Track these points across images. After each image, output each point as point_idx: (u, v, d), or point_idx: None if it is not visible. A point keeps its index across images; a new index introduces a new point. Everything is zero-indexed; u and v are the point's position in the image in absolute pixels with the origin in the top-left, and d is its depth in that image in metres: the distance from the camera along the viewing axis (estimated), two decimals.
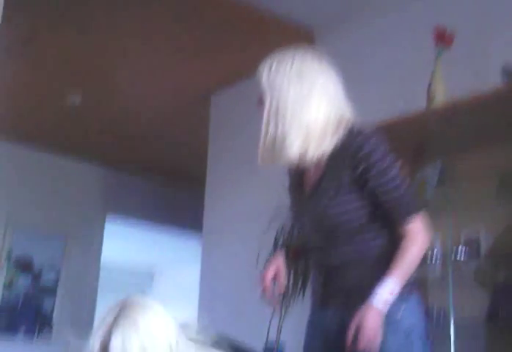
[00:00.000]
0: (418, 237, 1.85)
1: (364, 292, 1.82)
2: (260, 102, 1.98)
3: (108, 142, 5.60)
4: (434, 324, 2.92)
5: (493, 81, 2.79)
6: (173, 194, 6.26)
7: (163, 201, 6.23)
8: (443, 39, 2.93)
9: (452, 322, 2.79)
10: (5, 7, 2.95)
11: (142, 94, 4.76)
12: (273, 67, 1.96)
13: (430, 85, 2.96)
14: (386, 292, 1.77)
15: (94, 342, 1.85)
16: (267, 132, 1.92)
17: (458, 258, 2.88)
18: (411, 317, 1.86)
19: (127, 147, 5.70)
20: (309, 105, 1.90)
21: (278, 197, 3.55)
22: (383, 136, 1.88)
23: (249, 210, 4.09)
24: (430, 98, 2.94)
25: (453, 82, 2.92)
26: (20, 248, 5.56)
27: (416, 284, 1.93)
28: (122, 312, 1.84)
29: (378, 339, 1.75)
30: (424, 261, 2.90)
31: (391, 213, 1.86)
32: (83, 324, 5.64)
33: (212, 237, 4.31)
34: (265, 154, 1.94)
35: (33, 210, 5.62)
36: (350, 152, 1.85)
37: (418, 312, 1.89)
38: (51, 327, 5.56)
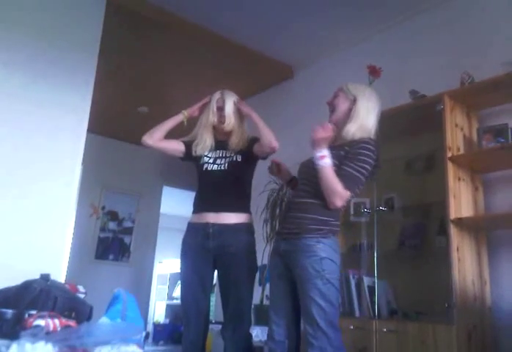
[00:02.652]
0: (339, 199, 1.79)
1: (303, 227, 1.82)
2: (335, 98, 2.04)
3: (165, 136, 5.61)
4: (365, 254, 2.88)
5: (404, 99, 2.82)
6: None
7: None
8: (374, 72, 2.99)
9: (375, 252, 2.75)
10: (102, 48, 3.07)
11: (188, 105, 4.77)
12: (357, 86, 2.05)
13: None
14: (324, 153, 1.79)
15: (217, 100, 2.40)
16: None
17: (380, 210, 2.84)
18: (326, 251, 1.79)
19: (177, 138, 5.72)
20: (371, 115, 1.98)
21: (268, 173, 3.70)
22: (377, 143, 1.90)
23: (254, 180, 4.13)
24: None
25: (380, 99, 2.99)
26: (109, 204, 5.62)
27: (334, 231, 1.86)
28: (223, 91, 2.38)
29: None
30: (359, 212, 3.00)
31: (342, 179, 1.80)
32: (149, 252, 5.88)
33: None
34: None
35: (118, 179, 5.67)
36: (357, 141, 1.87)
37: (333, 250, 1.81)
38: (129, 254, 5.66)
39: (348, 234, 3.06)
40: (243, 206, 2.27)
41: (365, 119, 1.96)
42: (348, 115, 1.97)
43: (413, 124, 2.82)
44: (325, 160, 1.81)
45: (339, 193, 1.79)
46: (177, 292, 6.80)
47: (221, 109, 2.36)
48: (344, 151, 1.87)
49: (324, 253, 1.80)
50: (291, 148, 4.19)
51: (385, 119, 2.78)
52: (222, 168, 2.29)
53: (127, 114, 5.05)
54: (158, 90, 4.55)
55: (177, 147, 2.45)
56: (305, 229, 1.83)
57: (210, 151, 2.38)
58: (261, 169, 3.97)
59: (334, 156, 1.84)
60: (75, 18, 3.01)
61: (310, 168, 1.89)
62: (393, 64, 3.21)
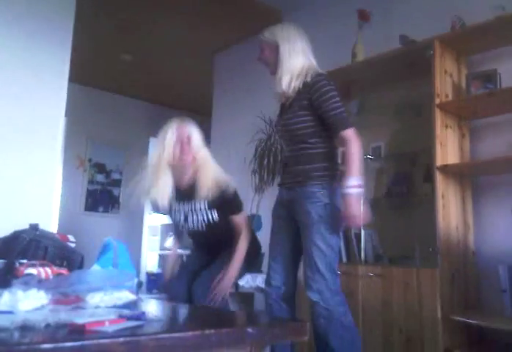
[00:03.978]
0: (354, 141, 1.80)
1: (305, 175, 1.85)
2: (262, 52, 1.99)
3: (150, 85, 5.47)
4: None
5: (393, 44, 2.75)
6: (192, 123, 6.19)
7: None
8: (363, 16, 2.94)
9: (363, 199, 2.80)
10: None
11: (170, 52, 4.60)
12: (274, 31, 1.97)
13: (353, 47, 2.95)
14: (351, 184, 1.75)
15: (179, 132, 1.96)
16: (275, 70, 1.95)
17: (368, 158, 2.86)
18: (330, 197, 1.82)
19: (162, 88, 5.54)
20: (294, 57, 1.91)
21: (257, 123, 3.66)
22: (330, 76, 1.90)
23: (240, 130, 4.08)
24: (353, 55, 2.94)
25: (369, 45, 2.92)
26: (96, 157, 5.58)
27: (336, 175, 1.88)
28: (184, 119, 2.01)
29: (361, 216, 1.74)
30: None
31: (333, 124, 1.81)
32: (138, 203, 5.95)
33: (216, 146, 4.32)
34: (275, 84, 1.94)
35: (104, 131, 5.59)
36: (309, 85, 1.85)
37: (336, 195, 1.84)
38: (119, 205, 5.70)
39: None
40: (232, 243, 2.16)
41: (293, 63, 1.91)
42: (278, 64, 1.93)
43: (402, 70, 2.79)
44: (359, 189, 1.78)
45: (355, 142, 1.82)
46: (169, 243, 6.91)
47: (185, 142, 2.02)
48: (306, 99, 1.86)
49: (327, 199, 1.83)
50: (273, 101, 4.12)
51: (374, 64, 2.79)
52: (200, 228, 2.12)
53: (110, 62, 4.89)
54: (140, 37, 4.39)
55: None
56: (308, 176, 1.86)
57: (173, 202, 2.11)
58: (248, 119, 3.95)
59: (298, 108, 1.87)
60: None
61: (283, 128, 1.96)
62: (383, 9, 3.13)
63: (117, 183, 5.73)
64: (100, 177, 5.63)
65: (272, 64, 1.96)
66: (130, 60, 4.82)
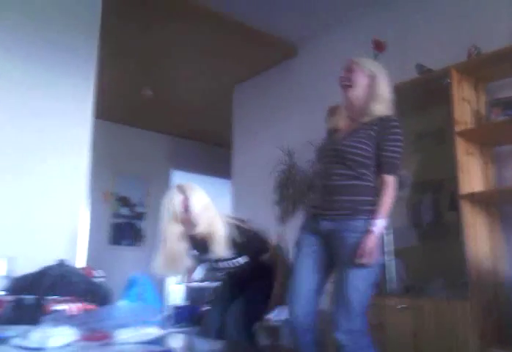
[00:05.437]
0: (393, 188, 1.84)
1: (354, 208, 1.82)
2: (351, 72, 1.99)
3: (171, 118, 5.57)
4: None
5: (410, 73, 2.77)
6: (212, 153, 6.18)
7: (206, 158, 6.20)
8: (379, 47, 2.95)
9: (391, 230, 2.68)
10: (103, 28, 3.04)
11: (190, 86, 4.71)
12: (369, 61, 2.04)
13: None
14: (379, 225, 1.77)
15: (178, 203, 1.89)
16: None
17: None
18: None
19: (183, 121, 5.64)
20: (388, 91, 1.97)
21: (279, 154, 3.68)
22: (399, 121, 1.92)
23: (260, 161, 4.09)
24: None
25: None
26: (121, 190, 5.65)
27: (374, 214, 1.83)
28: (181, 186, 1.93)
29: (376, 255, 1.75)
30: None
31: (385, 164, 1.84)
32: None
33: (238, 178, 4.41)
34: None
35: (127, 165, 5.69)
36: (385, 120, 1.89)
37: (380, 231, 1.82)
38: (142, 238, 5.72)
39: None
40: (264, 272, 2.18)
41: (387, 95, 1.97)
42: (367, 91, 1.96)
43: (420, 98, 2.79)
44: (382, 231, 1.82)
45: (393, 190, 1.84)
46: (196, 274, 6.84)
47: (186, 210, 1.99)
48: (373, 131, 1.88)
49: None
50: (296, 130, 4.18)
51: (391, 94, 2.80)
52: (232, 269, 2.14)
53: (131, 97, 5.01)
54: (161, 72, 4.51)
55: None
56: (356, 209, 1.83)
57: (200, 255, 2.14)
58: (269, 150, 3.99)
59: (364, 135, 1.87)
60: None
61: (339, 150, 1.90)
62: (398, 38, 3.18)
63: (141, 216, 5.77)
64: (124, 211, 5.69)
65: (357, 86, 1.97)
66: (151, 95, 4.93)
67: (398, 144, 1.87)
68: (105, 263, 4.69)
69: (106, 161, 5.44)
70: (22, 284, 1.62)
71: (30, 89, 2.69)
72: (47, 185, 2.65)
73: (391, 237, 2.73)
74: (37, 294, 1.52)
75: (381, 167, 1.86)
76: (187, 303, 6.76)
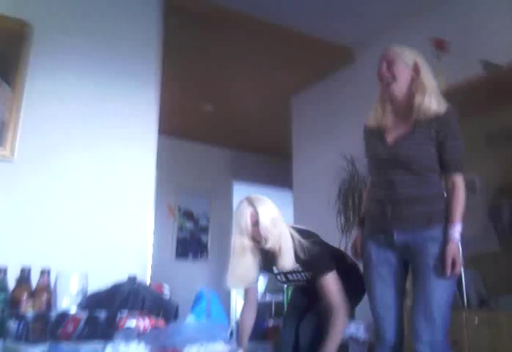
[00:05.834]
0: (463, 188, 1.77)
1: (429, 218, 1.75)
2: (392, 65, 1.84)
3: (230, 132, 5.65)
4: None
5: (475, 71, 2.66)
6: (273, 164, 6.17)
7: (267, 170, 6.20)
8: (441, 47, 2.87)
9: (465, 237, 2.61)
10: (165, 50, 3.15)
11: (249, 98, 4.78)
12: (407, 49, 1.89)
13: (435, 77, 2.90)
14: (457, 231, 1.71)
15: (247, 217, 1.88)
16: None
17: None
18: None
19: (242, 133, 5.70)
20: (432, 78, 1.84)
21: (340, 163, 3.61)
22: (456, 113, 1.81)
23: (322, 170, 4.06)
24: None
25: (447, 73, 2.83)
26: (185, 205, 5.77)
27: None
28: (250, 199, 1.93)
29: (460, 264, 1.68)
30: None
31: (450, 161, 1.75)
32: (227, 249, 6.00)
33: (299, 188, 4.39)
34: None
35: (190, 180, 5.79)
36: (441, 115, 1.77)
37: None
38: (207, 252, 5.80)
39: None
40: None
41: (434, 86, 1.83)
42: (412, 84, 1.81)
43: (488, 96, 2.65)
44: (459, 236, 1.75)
45: (463, 190, 1.78)
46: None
47: (256, 224, 1.95)
48: (433, 130, 1.76)
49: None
50: (356, 137, 4.06)
51: (457, 94, 2.68)
52: (301, 283, 2.09)
53: (193, 113, 5.14)
54: (220, 87, 4.60)
55: (255, 291, 2.19)
56: (432, 218, 1.76)
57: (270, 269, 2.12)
58: (329, 158, 3.93)
59: (423, 136, 1.76)
60: (135, 23, 3.06)
61: (401, 155, 1.78)
62: (461, 34, 3.06)
63: (205, 230, 5.86)
64: (189, 225, 5.80)
65: (401, 80, 1.82)
66: (211, 110, 5.05)
67: (460, 140, 1.79)
68: (172, 277, 4.80)
69: (170, 176, 5.58)
70: (95, 301, 1.67)
71: (102, 116, 2.80)
72: (116, 203, 2.74)
73: (464, 244, 2.58)
74: (109, 310, 1.56)
75: (447, 167, 1.77)
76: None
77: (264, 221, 1.93)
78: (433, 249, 1.72)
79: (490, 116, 2.77)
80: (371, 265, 1.87)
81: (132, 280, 1.73)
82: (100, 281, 1.83)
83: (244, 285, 2.07)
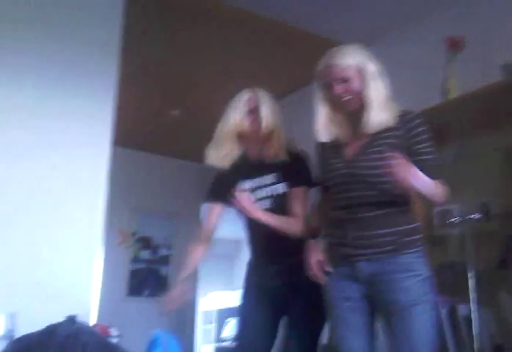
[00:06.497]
0: (442, 188, 1.79)
1: (398, 241, 1.78)
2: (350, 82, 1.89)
3: (201, 143, 5.66)
4: (457, 276, 2.77)
5: (494, 76, 2.72)
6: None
7: None
8: (456, 45, 2.93)
9: (471, 273, 2.64)
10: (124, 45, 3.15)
11: (224, 103, 4.80)
12: (354, 54, 1.92)
13: (444, 82, 2.93)
14: (421, 178, 1.70)
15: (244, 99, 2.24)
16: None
17: (473, 219, 2.73)
18: (427, 269, 1.81)
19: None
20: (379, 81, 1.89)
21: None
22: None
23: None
24: (445, 92, 2.92)
25: (463, 78, 2.89)
26: (141, 230, 5.73)
27: (422, 239, 1.85)
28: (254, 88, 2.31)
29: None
30: (446, 223, 2.90)
31: (425, 170, 1.74)
32: (191, 285, 5.94)
33: None
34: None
35: (150, 199, 5.78)
36: (406, 124, 1.85)
37: (427, 265, 1.82)
38: (167, 288, 5.65)
39: (434, 251, 2.93)
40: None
41: (380, 89, 1.88)
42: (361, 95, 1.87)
43: (508, 107, 2.71)
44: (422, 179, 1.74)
45: (442, 191, 1.80)
46: (226, 332, 6.80)
47: (253, 112, 2.24)
48: (395, 137, 1.84)
49: (427, 271, 1.80)
50: None
51: (472, 102, 2.75)
52: (264, 206, 2.18)
53: (155, 121, 5.15)
54: (190, 88, 4.60)
55: (218, 214, 2.41)
56: (402, 243, 1.80)
57: (238, 179, 2.27)
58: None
59: (384, 148, 1.81)
60: (90, 12, 3.09)
61: (359, 174, 1.85)
62: (476, 34, 3.12)
63: (165, 260, 5.83)
64: (145, 254, 5.77)
65: (357, 93, 1.88)
66: (178, 116, 5.04)
67: (430, 143, 1.85)
68: (123, 318, 4.72)
69: (125, 195, 5.52)
70: (24, 346, 1.63)
71: (43, 120, 2.79)
72: (55, 226, 2.70)
73: (474, 281, 2.65)
74: None
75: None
76: None
77: (264, 109, 2.21)
78: (407, 282, 1.76)
79: (510, 129, 2.82)
80: (334, 303, 1.90)
81: (71, 321, 1.70)
82: (32, 323, 1.79)
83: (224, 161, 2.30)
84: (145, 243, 5.79)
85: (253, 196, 2.17)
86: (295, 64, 4.16)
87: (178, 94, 4.72)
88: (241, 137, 2.26)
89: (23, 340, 1.68)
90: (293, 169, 2.19)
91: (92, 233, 2.82)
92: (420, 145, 1.84)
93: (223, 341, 7.19)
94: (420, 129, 1.86)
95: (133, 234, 5.72)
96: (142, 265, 5.70)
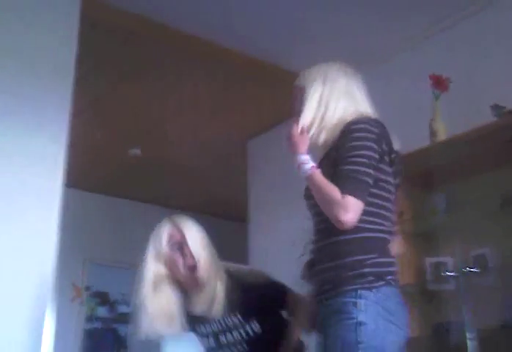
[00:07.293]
0: (345, 201, 1.61)
1: (334, 278, 1.65)
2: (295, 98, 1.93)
3: (166, 186, 5.66)
4: (454, 337, 2.78)
5: (484, 117, 2.77)
6: (219, 228, 6.24)
7: (212, 236, 6.21)
8: (439, 85, 3.00)
9: (469, 334, 2.63)
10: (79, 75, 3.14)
11: (190, 144, 4.85)
12: (307, 73, 1.96)
13: (431, 123, 3.01)
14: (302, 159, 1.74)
15: (165, 235, 2.01)
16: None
17: (469, 272, 2.73)
18: (368, 312, 1.57)
19: (181, 189, 5.73)
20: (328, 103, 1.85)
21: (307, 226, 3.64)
22: (375, 124, 1.76)
23: (284, 237, 4.07)
24: (432, 134, 2.98)
25: (450, 119, 2.97)
26: (97, 284, 5.66)
27: (384, 275, 1.64)
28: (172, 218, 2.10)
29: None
30: (440, 277, 2.90)
31: (338, 179, 1.66)
32: (155, 347, 5.80)
33: (256, 260, 4.39)
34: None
35: (107, 249, 5.70)
36: (342, 133, 1.76)
37: (380, 309, 1.58)
38: (127, 350, 5.61)
39: (428, 308, 2.97)
40: None
41: (327, 109, 1.85)
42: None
43: (502, 149, 2.76)
44: (309, 165, 1.75)
45: (339, 202, 1.62)
46: None
47: (181, 246, 2.09)
48: (335, 150, 1.76)
49: (363, 315, 1.57)
50: None
51: (461, 145, 2.79)
52: (239, 349, 2.09)
53: (114, 160, 5.15)
54: (152, 126, 4.64)
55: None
56: (338, 280, 1.64)
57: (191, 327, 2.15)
58: (295, 225, 3.92)
59: (327, 168, 1.74)
60: (42, 40, 3.06)
61: (305, 196, 1.85)
62: (463, 72, 3.21)
63: (124, 318, 5.67)
64: (101, 311, 5.68)
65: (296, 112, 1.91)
66: (139, 156, 5.05)
67: (358, 152, 1.68)
68: None
69: (78, 243, 5.42)
70: None
71: None
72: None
73: (476, 343, 2.64)
74: None
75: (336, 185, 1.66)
76: None
77: (192, 242, 2.07)
78: (342, 330, 1.58)
79: (507, 174, 2.86)
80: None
81: None
82: None
83: (170, 330, 2.02)
84: (101, 298, 5.70)
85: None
86: (266, 102, 4.24)
87: (140, 132, 4.74)
88: (177, 282, 2.15)
89: None
90: (258, 303, 2.07)
91: (41, 288, 2.73)
92: (345, 152, 1.69)
93: None
94: (346, 137, 1.73)
95: (87, 288, 5.62)
96: (98, 324, 5.59)
